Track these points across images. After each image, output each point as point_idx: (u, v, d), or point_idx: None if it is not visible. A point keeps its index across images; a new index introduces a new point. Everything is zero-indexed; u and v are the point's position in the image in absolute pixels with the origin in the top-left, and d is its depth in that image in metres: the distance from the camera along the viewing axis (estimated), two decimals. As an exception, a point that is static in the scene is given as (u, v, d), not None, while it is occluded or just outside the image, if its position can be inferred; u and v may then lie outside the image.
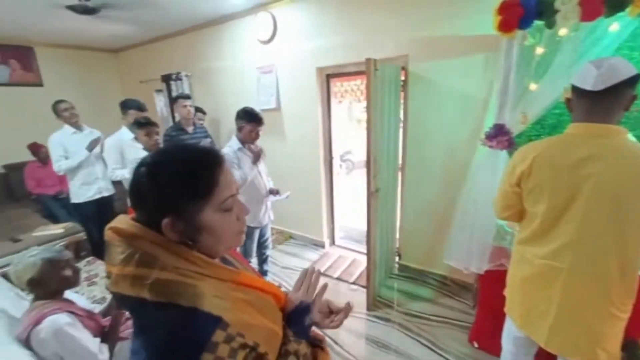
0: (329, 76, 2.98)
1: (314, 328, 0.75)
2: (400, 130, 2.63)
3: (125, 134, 2.53)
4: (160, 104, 4.64)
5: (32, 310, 1.23)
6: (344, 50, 2.70)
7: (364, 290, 2.56)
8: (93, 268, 2.36)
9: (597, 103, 0.98)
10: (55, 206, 3.63)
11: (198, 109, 3.36)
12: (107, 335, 1.37)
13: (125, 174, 2.41)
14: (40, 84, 4.26)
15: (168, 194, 0.53)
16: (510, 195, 1.18)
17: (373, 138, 2.03)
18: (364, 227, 3.63)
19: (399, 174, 2.74)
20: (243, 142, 2.16)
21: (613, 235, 0.98)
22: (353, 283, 2.81)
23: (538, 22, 1.46)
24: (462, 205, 1.89)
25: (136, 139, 2.18)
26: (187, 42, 3.89)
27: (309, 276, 0.79)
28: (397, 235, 2.91)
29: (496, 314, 1.46)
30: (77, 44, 4.39)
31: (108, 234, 0.54)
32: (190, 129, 3.01)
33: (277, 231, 3.69)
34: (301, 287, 0.77)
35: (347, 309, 0.79)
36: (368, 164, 2.09)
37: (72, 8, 2.21)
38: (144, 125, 2.11)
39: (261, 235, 2.44)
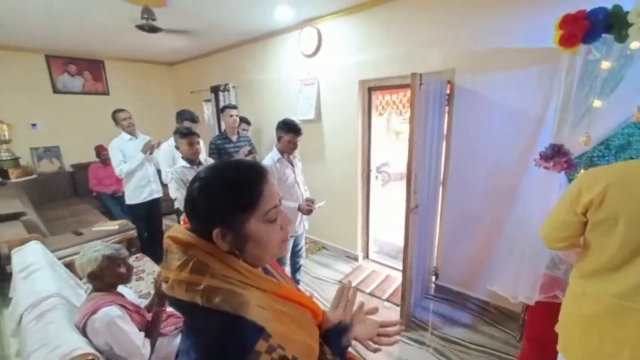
0: (371, 89, 2.98)
1: (350, 349, 0.74)
2: (443, 145, 2.54)
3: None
4: (207, 112, 4.94)
5: (90, 301, 1.34)
6: (388, 63, 2.69)
7: (398, 308, 2.47)
8: (141, 264, 2.54)
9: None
10: (111, 203, 3.99)
11: (243, 120, 3.52)
12: (149, 330, 1.46)
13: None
14: (106, 93, 4.76)
15: (217, 206, 0.58)
16: (573, 224, 1.07)
17: (415, 153, 1.98)
18: (399, 242, 3.57)
19: (440, 189, 2.64)
20: (282, 152, 2.22)
21: None
22: (387, 300, 2.72)
23: (606, 36, 1.34)
24: (510, 228, 1.76)
25: (177, 147, 2.27)
26: (235, 55, 4.13)
27: (345, 293, 0.78)
28: (435, 254, 2.79)
29: (546, 351, 1.33)
30: (138, 57, 4.85)
31: (167, 241, 0.59)
32: (234, 138, 3.16)
33: (310, 240, 3.70)
34: (339, 305, 0.76)
35: (396, 332, 0.77)
36: (408, 180, 2.04)
37: (140, 27, 2.47)
38: (186, 135, 2.19)
39: (295, 244, 2.46)
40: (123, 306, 1.37)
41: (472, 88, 2.28)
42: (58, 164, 4.45)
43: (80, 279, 1.85)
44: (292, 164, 2.28)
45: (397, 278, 2.99)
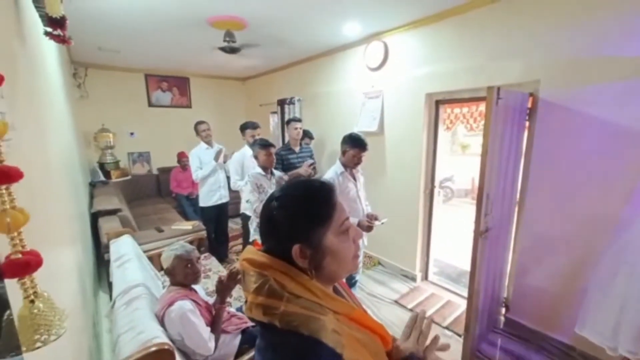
0: (438, 102, 2.86)
1: None
2: (521, 164, 2.30)
3: (247, 151, 2.97)
4: (273, 124, 5.25)
5: (168, 294, 1.50)
6: (458, 76, 2.56)
7: (460, 339, 2.26)
8: (208, 263, 2.76)
9: None
10: (186, 204, 4.46)
11: (307, 134, 3.65)
12: (212, 326, 1.56)
13: (242, 185, 2.82)
14: (189, 106, 5.39)
15: (297, 222, 0.60)
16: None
17: (488, 173, 1.82)
18: (462, 265, 3.31)
19: (515, 211, 2.38)
20: (345, 165, 2.24)
21: None
22: (446, 328, 2.52)
23: None
24: (609, 262, 1.50)
25: (256, 157, 2.47)
26: (302, 70, 4.33)
27: (419, 323, 0.74)
28: (506, 282, 2.50)
29: None
30: (217, 74, 5.41)
31: (243, 264, 0.63)
32: (297, 149, 3.29)
33: (365, 255, 3.63)
34: (411, 336, 0.72)
35: None
36: (479, 201, 1.88)
37: (222, 49, 2.77)
38: (266, 147, 2.40)
39: (353, 259, 2.43)
40: (195, 302, 1.49)
41: (560, 102, 2.03)
42: (147, 167, 5.15)
43: (161, 270, 2.08)
44: (354, 178, 2.27)
45: (459, 304, 2.75)
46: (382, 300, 2.90)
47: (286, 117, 4.39)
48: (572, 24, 1.92)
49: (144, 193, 4.95)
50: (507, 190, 2.23)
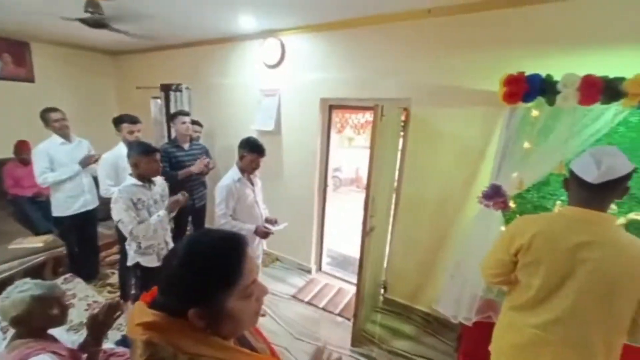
0: (331, 107, 3.04)
1: None
2: (397, 170, 2.70)
3: (123, 150, 2.44)
4: (155, 110, 4.57)
5: (13, 350, 1.16)
6: (349, 85, 2.77)
7: (349, 322, 2.55)
8: (71, 287, 2.26)
9: (596, 192, 1.06)
10: (32, 209, 3.45)
11: (194, 122, 3.32)
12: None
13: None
14: (31, 80, 4.12)
15: (198, 286, 0.57)
16: (507, 264, 1.23)
17: (374, 180, 2.07)
18: (351, 253, 3.70)
19: (392, 211, 2.79)
20: (242, 170, 2.16)
21: (603, 315, 1.05)
22: (338, 315, 2.80)
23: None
24: (456, 254, 1.95)
25: (135, 165, 1.95)
26: (191, 55, 3.88)
27: (319, 357, 0.79)
28: (385, 266, 2.94)
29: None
30: (74, 42, 4.28)
31: (134, 330, 0.56)
32: (186, 146, 2.97)
33: (264, 253, 3.64)
34: None
35: None
36: (366, 204, 2.12)
37: (83, 21, 2.16)
38: (150, 153, 1.94)
39: (251, 264, 2.40)
40: (56, 353, 1.20)
41: (426, 118, 2.46)
42: (-40, 159, 3.72)
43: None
44: (252, 183, 2.22)
45: (349, 291, 3.09)
46: (281, 297, 2.99)
47: (172, 106, 3.89)
48: (435, 54, 2.32)
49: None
50: (387, 193, 2.59)
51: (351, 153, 9.19)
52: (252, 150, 2.10)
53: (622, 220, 1.60)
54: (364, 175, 2.09)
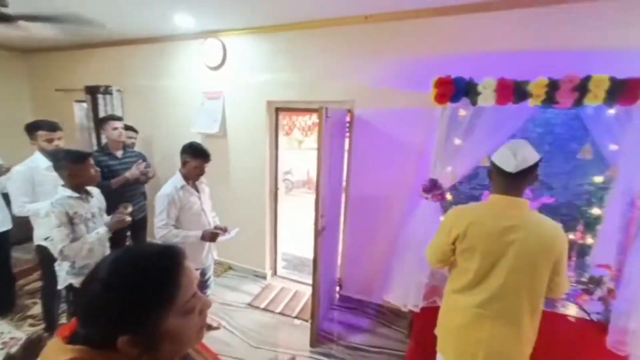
0: (278, 109, 3.02)
1: None
2: (345, 169, 2.78)
3: (39, 161, 2.13)
4: (80, 114, 4.10)
5: None
6: (294, 87, 2.79)
7: (307, 324, 2.56)
8: (-21, 323, 1.91)
9: (514, 180, 1.22)
10: None
11: (128, 127, 3.04)
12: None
13: (38, 208, 2.02)
14: None
15: (128, 309, 0.50)
16: (447, 251, 1.36)
17: (322, 181, 2.11)
18: (305, 254, 3.72)
19: (342, 209, 2.87)
20: (186, 177, 2.04)
21: (527, 288, 1.21)
22: (296, 317, 2.79)
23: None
24: (400, 245, 2.07)
25: (68, 176, 1.70)
26: (120, 54, 3.56)
27: None
28: (339, 264, 3.00)
29: (427, 350, 1.61)
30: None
31: None
32: (119, 154, 2.70)
33: (215, 262, 3.47)
34: None
35: None
36: (317, 204, 2.15)
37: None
38: (82, 159, 1.72)
39: (202, 275, 2.28)
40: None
41: (368, 119, 2.58)
42: None
43: None
44: (197, 190, 2.11)
45: (305, 292, 3.09)
46: (236, 307, 2.88)
47: (100, 110, 3.53)
48: (372, 59, 2.44)
49: None
50: (337, 192, 2.66)
51: (302, 155, 9.26)
52: (195, 156, 1.99)
53: (535, 204, 1.85)
54: (315, 177, 2.11)
